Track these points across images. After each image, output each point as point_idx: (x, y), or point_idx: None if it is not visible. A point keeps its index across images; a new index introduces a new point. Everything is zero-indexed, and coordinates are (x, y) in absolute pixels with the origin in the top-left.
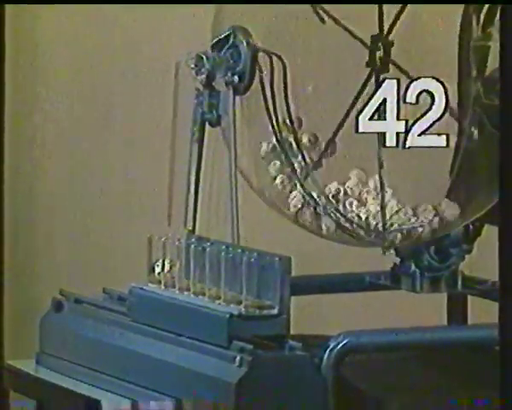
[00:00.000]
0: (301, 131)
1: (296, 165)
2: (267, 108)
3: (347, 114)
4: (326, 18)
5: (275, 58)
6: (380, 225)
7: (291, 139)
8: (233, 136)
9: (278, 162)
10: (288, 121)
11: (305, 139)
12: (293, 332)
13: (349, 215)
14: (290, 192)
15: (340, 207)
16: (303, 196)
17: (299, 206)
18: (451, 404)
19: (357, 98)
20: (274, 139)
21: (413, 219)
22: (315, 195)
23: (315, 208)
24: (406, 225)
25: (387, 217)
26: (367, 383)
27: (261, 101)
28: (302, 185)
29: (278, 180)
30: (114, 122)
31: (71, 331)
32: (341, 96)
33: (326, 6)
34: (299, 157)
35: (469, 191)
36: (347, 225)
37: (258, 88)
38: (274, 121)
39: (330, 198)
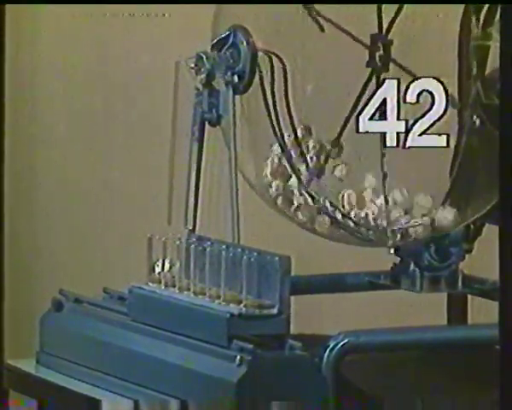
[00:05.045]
0: (308, 138)
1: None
2: (269, 113)
3: (350, 116)
4: (323, 21)
5: (275, 59)
6: (382, 223)
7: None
8: (233, 136)
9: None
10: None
11: (311, 145)
12: (293, 332)
13: (350, 213)
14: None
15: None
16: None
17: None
18: (452, 404)
19: (358, 100)
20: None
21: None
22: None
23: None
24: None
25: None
26: (367, 383)
27: (261, 100)
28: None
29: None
30: (114, 122)
31: (71, 331)
32: (341, 96)
33: (325, 7)
34: (303, 164)
35: (469, 191)
36: (349, 223)
37: (259, 87)
38: (276, 126)
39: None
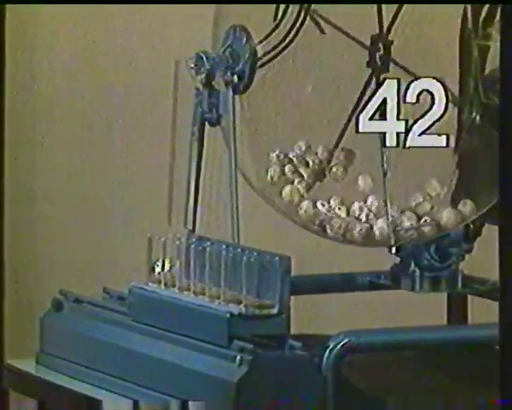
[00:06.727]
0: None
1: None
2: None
3: (350, 117)
4: (324, 22)
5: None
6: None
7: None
8: (233, 136)
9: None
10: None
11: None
12: (293, 332)
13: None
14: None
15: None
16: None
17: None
18: (452, 404)
19: (359, 100)
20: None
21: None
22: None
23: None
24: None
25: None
26: (367, 383)
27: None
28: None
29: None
30: (114, 122)
31: (71, 331)
32: (342, 97)
33: (325, 8)
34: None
35: (469, 191)
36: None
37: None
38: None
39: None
